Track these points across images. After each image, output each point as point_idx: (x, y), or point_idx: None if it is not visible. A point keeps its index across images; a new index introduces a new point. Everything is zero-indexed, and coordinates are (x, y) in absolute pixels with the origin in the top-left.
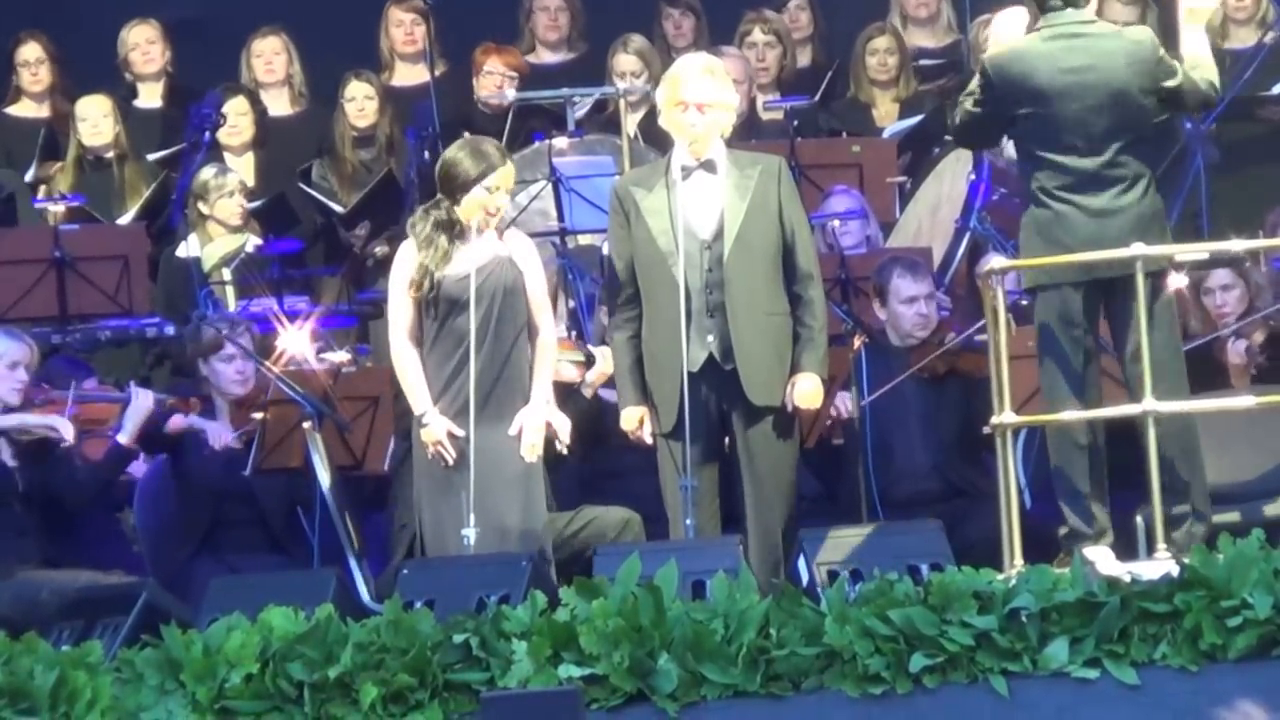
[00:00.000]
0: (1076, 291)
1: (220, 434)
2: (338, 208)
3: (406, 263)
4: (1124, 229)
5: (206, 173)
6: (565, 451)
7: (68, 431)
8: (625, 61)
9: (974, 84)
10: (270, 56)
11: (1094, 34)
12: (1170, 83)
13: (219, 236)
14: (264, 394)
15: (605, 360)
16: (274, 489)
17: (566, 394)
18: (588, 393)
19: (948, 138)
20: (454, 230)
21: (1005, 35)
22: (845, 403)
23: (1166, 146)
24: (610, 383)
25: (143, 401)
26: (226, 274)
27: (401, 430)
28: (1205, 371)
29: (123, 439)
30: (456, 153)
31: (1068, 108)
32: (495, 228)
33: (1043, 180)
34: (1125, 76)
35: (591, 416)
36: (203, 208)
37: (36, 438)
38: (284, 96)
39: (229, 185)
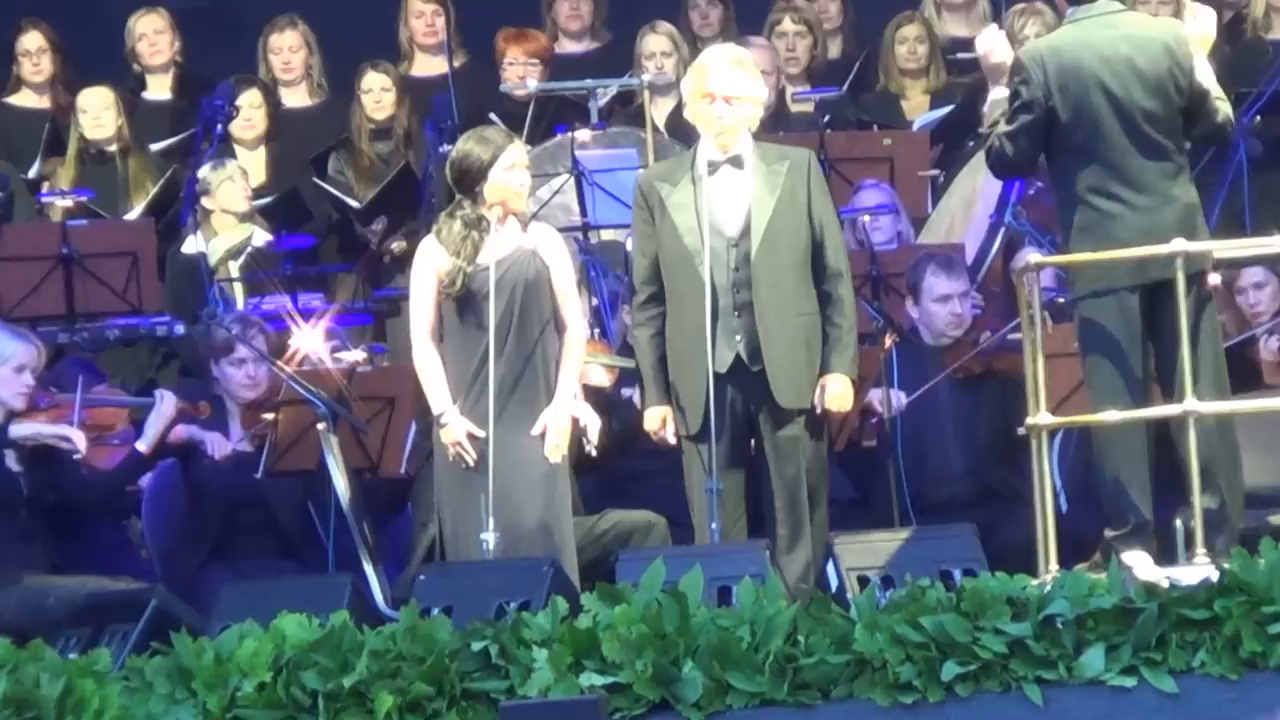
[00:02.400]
0: (1133, 294)
1: (218, 444)
2: (353, 202)
3: (430, 261)
4: (1173, 222)
5: (204, 168)
6: (593, 453)
7: (80, 442)
8: (654, 42)
9: (1007, 97)
10: (288, 54)
11: (1131, 22)
12: (1199, 84)
13: (224, 230)
14: (276, 396)
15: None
16: (287, 493)
17: (598, 402)
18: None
19: (982, 129)
20: (481, 226)
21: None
22: (876, 403)
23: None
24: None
25: (166, 407)
26: (234, 269)
27: (423, 427)
28: (1238, 372)
29: (142, 446)
30: (463, 145)
31: (1115, 99)
32: (520, 219)
33: (1088, 179)
34: (1167, 65)
35: (629, 425)
36: (207, 202)
37: (44, 444)
38: (302, 89)
39: (228, 171)
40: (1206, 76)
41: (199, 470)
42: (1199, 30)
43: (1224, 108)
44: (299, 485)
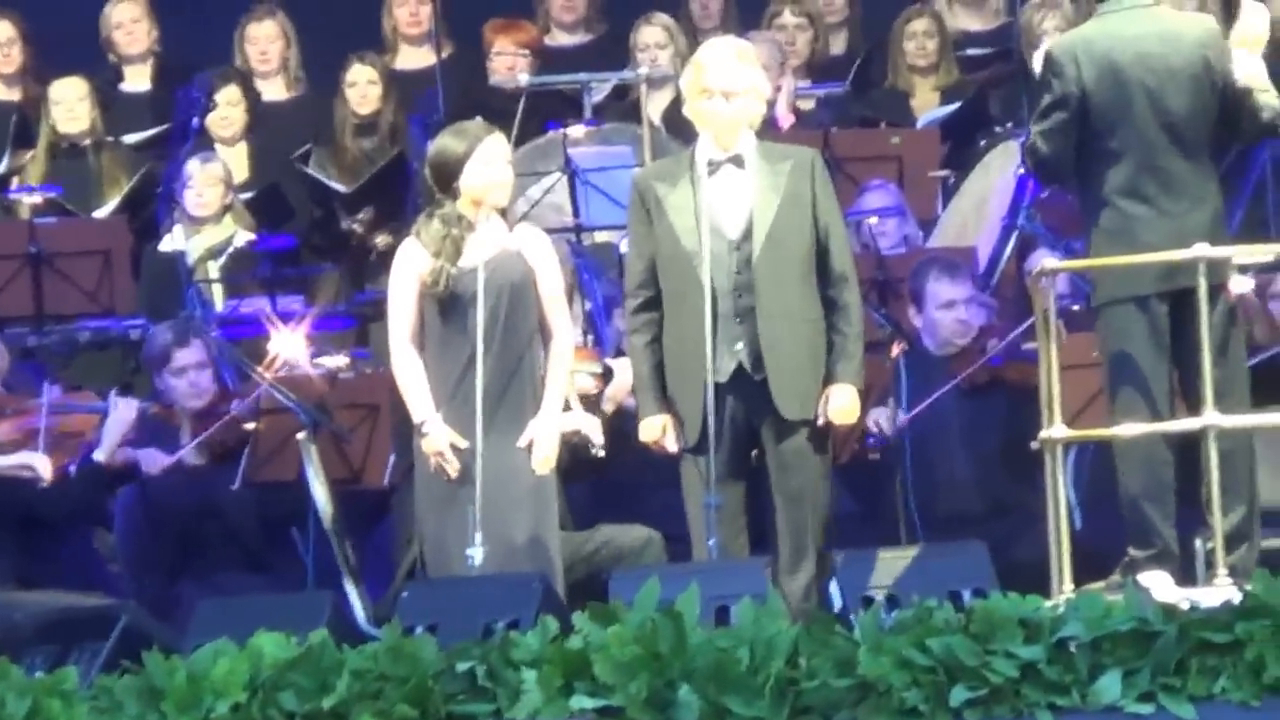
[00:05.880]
0: (1162, 302)
1: (154, 460)
2: (340, 187)
3: (410, 263)
4: (1204, 227)
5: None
6: (600, 454)
7: (45, 469)
8: (649, 34)
9: (1045, 98)
10: (265, 45)
11: (1162, 18)
12: (1237, 83)
13: (205, 229)
14: (226, 403)
15: (625, 373)
16: (244, 503)
17: (583, 409)
18: (608, 408)
19: (998, 129)
20: (461, 224)
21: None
22: (882, 420)
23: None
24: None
25: (123, 413)
26: (214, 270)
27: (401, 441)
28: (1272, 384)
29: (99, 456)
30: (439, 141)
31: (1150, 95)
32: (508, 219)
33: (1117, 180)
34: (1200, 62)
35: (610, 434)
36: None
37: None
38: (279, 82)
39: (188, 173)
40: (1251, 74)
41: (151, 487)
42: (1251, 29)
43: (1272, 102)
44: (257, 495)
